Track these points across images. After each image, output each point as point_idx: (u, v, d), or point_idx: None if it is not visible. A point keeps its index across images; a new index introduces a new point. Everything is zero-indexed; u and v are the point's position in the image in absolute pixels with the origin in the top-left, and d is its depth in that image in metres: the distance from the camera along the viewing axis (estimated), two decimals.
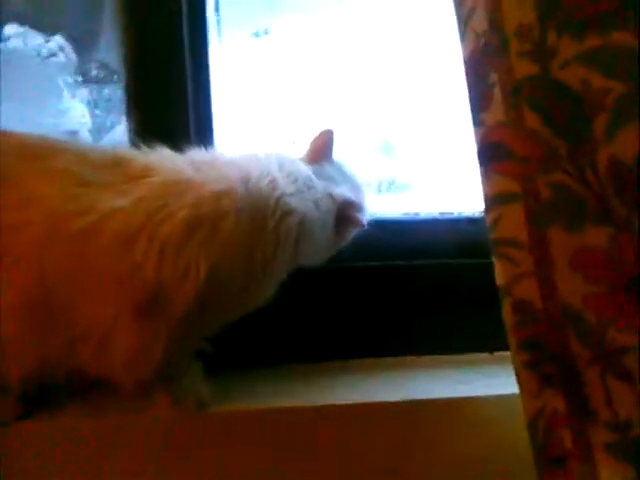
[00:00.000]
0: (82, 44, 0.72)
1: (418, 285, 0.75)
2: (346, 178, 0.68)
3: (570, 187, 0.45)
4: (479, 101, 0.48)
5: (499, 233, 0.47)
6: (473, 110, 0.49)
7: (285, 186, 0.59)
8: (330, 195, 0.64)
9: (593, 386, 0.44)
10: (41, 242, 0.51)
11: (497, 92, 0.47)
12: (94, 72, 0.73)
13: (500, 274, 0.48)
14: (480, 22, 0.47)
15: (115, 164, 0.55)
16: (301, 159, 0.66)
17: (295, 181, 0.60)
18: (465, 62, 0.50)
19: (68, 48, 0.72)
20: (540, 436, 0.46)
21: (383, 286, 0.75)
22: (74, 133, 0.73)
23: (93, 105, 0.74)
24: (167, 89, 0.72)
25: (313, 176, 0.64)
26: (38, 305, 0.51)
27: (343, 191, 0.65)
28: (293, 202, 0.59)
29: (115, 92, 0.74)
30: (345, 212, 0.65)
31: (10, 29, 0.72)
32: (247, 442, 0.60)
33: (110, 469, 0.58)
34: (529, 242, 0.46)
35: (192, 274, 0.52)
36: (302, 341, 0.73)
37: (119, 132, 0.75)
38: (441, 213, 0.81)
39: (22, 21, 0.71)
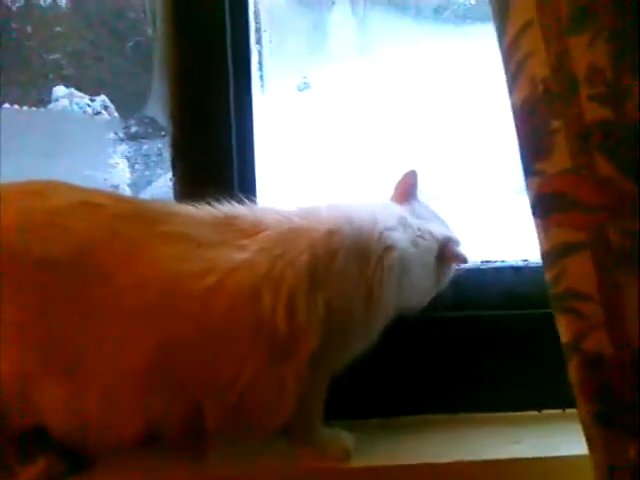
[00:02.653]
0: (126, 103, 0.74)
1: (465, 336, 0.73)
2: (434, 216, 0.69)
3: None
4: (536, 150, 0.46)
5: (563, 286, 0.45)
6: (527, 160, 0.47)
7: (385, 221, 0.60)
8: (430, 233, 0.64)
9: None
10: (160, 304, 0.51)
11: (560, 139, 0.44)
12: (137, 128, 0.75)
13: (566, 330, 0.45)
14: (539, 67, 0.45)
15: (225, 223, 0.57)
16: (391, 201, 0.67)
17: (390, 223, 0.61)
18: (517, 110, 0.47)
19: (112, 107, 0.75)
20: None
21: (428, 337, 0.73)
22: (115, 187, 0.74)
23: (135, 160, 0.76)
24: (212, 143, 0.72)
25: (408, 216, 0.64)
26: (160, 366, 0.52)
27: (441, 228, 0.66)
28: (394, 236, 0.60)
29: (155, 147, 0.75)
30: (447, 249, 0.65)
31: (59, 90, 0.74)
32: None
33: None
34: (598, 293, 0.43)
35: (316, 312, 0.53)
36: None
37: (157, 186, 0.76)
38: (483, 262, 0.78)
39: (68, 83, 0.74)
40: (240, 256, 0.53)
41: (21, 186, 0.56)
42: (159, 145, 0.75)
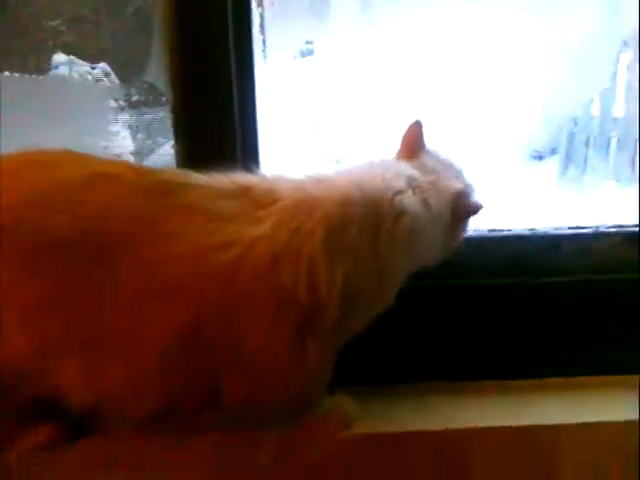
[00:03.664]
0: (127, 69, 0.73)
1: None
2: (446, 165, 0.67)
3: None
4: None
5: None
6: None
7: (395, 184, 0.59)
8: (441, 189, 0.63)
9: None
10: (189, 278, 0.51)
11: None
12: (139, 96, 0.74)
13: None
14: None
15: (241, 194, 0.56)
16: (397, 158, 0.66)
17: (400, 182, 0.60)
18: None
19: (112, 74, 0.74)
20: None
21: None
22: (118, 156, 0.73)
23: (136, 128, 0.74)
24: (214, 110, 0.71)
25: (417, 173, 0.63)
26: (189, 339, 0.52)
27: (453, 179, 0.64)
28: (405, 201, 0.59)
29: (157, 115, 0.74)
30: (460, 202, 0.64)
31: (58, 58, 0.73)
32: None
33: None
34: None
35: (335, 283, 0.54)
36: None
37: (161, 154, 0.75)
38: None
39: (68, 50, 0.73)
40: (259, 229, 0.53)
41: (32, 156, 0.54)
42: (161, 113, 0.74)
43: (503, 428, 0.63)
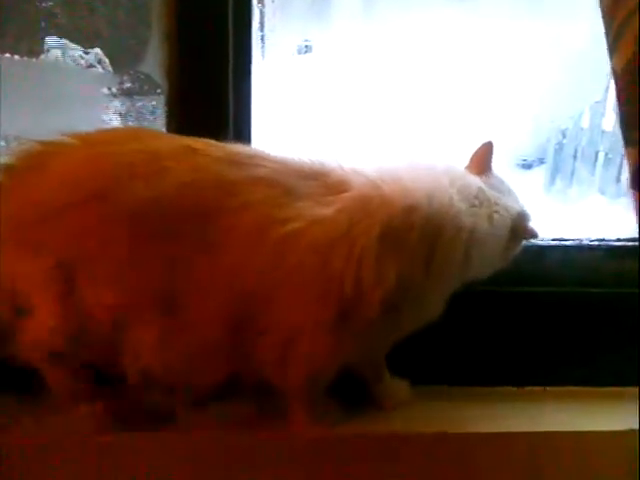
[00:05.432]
0: (121, 57, 0.72)
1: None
2: (507, 188, 0.69)
3: None
4: (634, 118, 0.43)
5: None
6: (626, 128, 0.44)
7: (458, 203, 0.61)
8: (505, 207, 0.65)
9: None
10: (250, 245, 0.54)
11: None
12: (133, 84, 0.73)
13: None
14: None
15: (314, 176, 0.58)
16: (467, 171, 0.68)
17: (467, 197, 0.62)
18: (617, 76, 0.45)
19: (106, 60, 0.72)
20: None
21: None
22: None
23: (128, 117, 0.74)
24: (209, 102, 0.71)
25: (485, 189, 0.65)
26: (240, 306, 0.54)
27: (514, 203, 0.67)
28: (464, 219, 0.60)
29: (149, 105, 0.73)
30: (520, 224, 0.66)
31: (51, 41, 0.72)
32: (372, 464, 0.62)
33: None
34: None
35: (382, 282, 0.55)
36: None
37: None
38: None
39: (61, 33, 0.72)
40: (323, 211, 0.55)
41: (121, 131, 0.62)
42: (154, 102, 0.73)
43: (500, 434, 0.65)
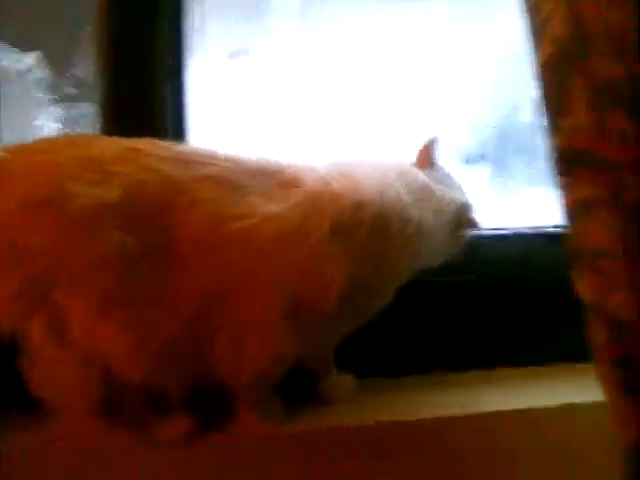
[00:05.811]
0: (59, 61, 0.69)
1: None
2: (452, 181, 0.72)
3: None
4: (558, 108, 0.46)
5: (586, 244, 0.44)
6: (550, 118, 0.47)
7: (406, 197, 0.63)
8: (450, 200, 0.68)
9: None
10: (202, 243, 0.54)
11: (580, 97, 0.44)
12: (68, 89, 0.70)
13: (588, 289, 0.45)
14: (560, 25, 0.44)
15: (265, 173, 0.58)
16: (414, 166, 0.70)
17: (413, 191, 0.64)
18: (540, 68, 0.47)
19: (45, 65, 0.70)
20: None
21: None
22: None
23: (65, 122, 0.73)
24: (143, 106, 0.70)
25: (430, 183, 0.67)
26: (195, 304, 0.54)
27: (458, 194, 0.70)
28: (412, 211, 0.62)
29: (86, 109, 0.73)
30: (463, 215, 0.69)
31: None
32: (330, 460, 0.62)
33: None
34: (621, 251, 0.42)
35: (337, 277, 0.56)
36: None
37: None
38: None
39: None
40: (275, 207, 0.56)
41: (66, 138, 0.60)
42: (90, 107, 0.72)
43: (449, 419, 0.66)
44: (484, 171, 0.93)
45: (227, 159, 0.58)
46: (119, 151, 0.55)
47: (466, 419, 0.66)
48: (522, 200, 0.92)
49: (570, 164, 0.45)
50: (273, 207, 0.56)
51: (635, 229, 0.43)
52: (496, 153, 0.95)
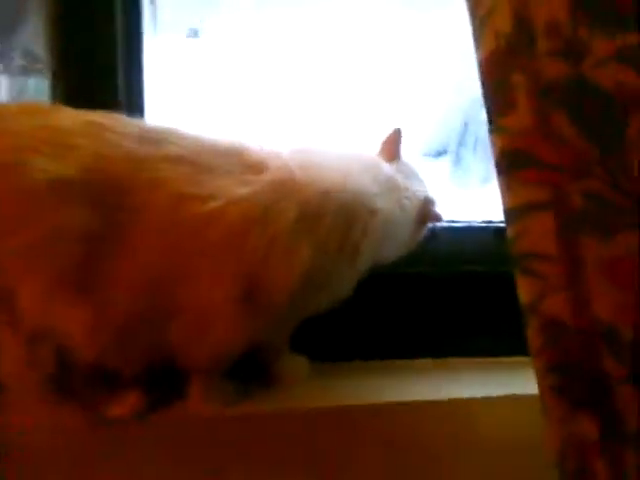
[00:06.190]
0: (5, 31, 0.65)
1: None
2: (414, 174, 0.71)
3: (603, 194, 0.41)
4: (499, 106, 0.44)
5: (524, 246, 0.44)
6: (492, 116, 0.45)
7: (371, 188, 0.62)
8: (414, 193, 0.68)
9: (628, 407, 0.41)
10: (164, 223, 0.52)
11: (522, 95, 0.43)
12: (14, 61, 0.67)
13: (525, 291, 0.45)
14: (502, 20, 0.43)
15: (230, 154, 0.57)
16: (378, 158, 0.69)
17: (378, 182, 0.64)
18: (482, 64, 0.46)
19: None
20: (571, 465, 0.43)
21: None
22: None
23: (16, 95, 0.68)
24: (97, 80, 0.67)
25: (395, 175, 0.67)
26: (154, 284, 0.53)
27: (421, 188, 0.70)
28: (378, 202, 0.62)
29: (33, 81, 0.69)
30: (426, 208, 0.69)
31: None
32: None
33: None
34: (558, 254, 0.42)
35: (296, 265, 0.55)
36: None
37: None
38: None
39: None
40: (242, 190, 0.54)
41: (24, 106, 0.55)
42: (39, 79, 0.68)
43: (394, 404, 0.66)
44: (444, 165, 0.93)
45: (191, 138, 0.56)
46: (80, 124, 0.52)
47: (398, 406, 0.66)
48: (480, 195, 0.92)
49: (511, 165, 0.45)
50: (238, 190, 0.54)
51: (573, 232, 0.42)
52: (458, 149, 0.95)
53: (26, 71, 0.67)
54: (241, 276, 0.54)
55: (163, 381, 0.59)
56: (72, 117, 0.53)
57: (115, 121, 0.54)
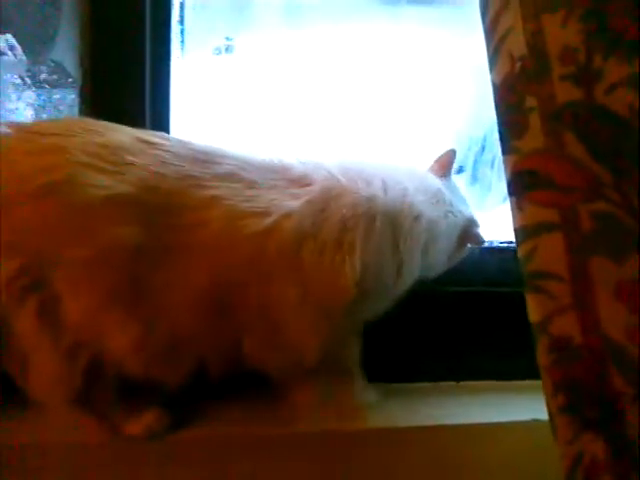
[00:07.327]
0: (33, 45, 0.68)
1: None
2: (461, 195, 0.73)
3: (615, 216, 0.42)
4: (513, 128, 0.46)
5: (534, 265, 0.45)
6: (505, 137, 0.47)
7: (414, 194, 0.63)
8: (459, 210, 0.69)
9: (637, 426, 0.41)
10: (220, 241, 0.53)
11: (535, 118, 0.44)
12: (45, 74, 0.69)
13: (535, 310, 0.46)
14: (517, 45, 0.45)
15: (275, 170, 0.59)
16: (429, 172, 0.71)
17: (424, 192, 0.65)
18: (497, 87, 0.47)
19: (19, 48, 0.68)
20: None
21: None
22: None
23: (41, 108, 0.70)
24: (124, 96, 0.69)
25: (444, 190, 0.68)
26: (214, 301, 0.54)
27: (467, 209, 0.71)
28: (421, 208, 0.63)
29: (62, 95, 0.70)
30: (470, 229, 0.70)
31: None
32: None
33: None
34: (569, 274, 0.43)
35: (350, 270, 0.56)
36: None
37: None
38: None
39: None
40: (292, 203, 0.56)
41: (78, 122, 0.56)
42: (66, 94, 0.70)
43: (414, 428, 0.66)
44: (460, 184, 0.94)
45: (237, 157, 0.58)
46: (132, 141, 0.54)
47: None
48: (499, 215, 0.92)
49: (522, 185, 0.46)
50: (289, 203, 0.56)
51: (583, 253, 0.43)
52: (474, 168, 0.95)
53: (52, 86, 0.70)
54: (303, 284, 0.56)
55: (183, 400, 0.59)
56: (124, 134, 0.54)
57: (164, 140, 0.56)
